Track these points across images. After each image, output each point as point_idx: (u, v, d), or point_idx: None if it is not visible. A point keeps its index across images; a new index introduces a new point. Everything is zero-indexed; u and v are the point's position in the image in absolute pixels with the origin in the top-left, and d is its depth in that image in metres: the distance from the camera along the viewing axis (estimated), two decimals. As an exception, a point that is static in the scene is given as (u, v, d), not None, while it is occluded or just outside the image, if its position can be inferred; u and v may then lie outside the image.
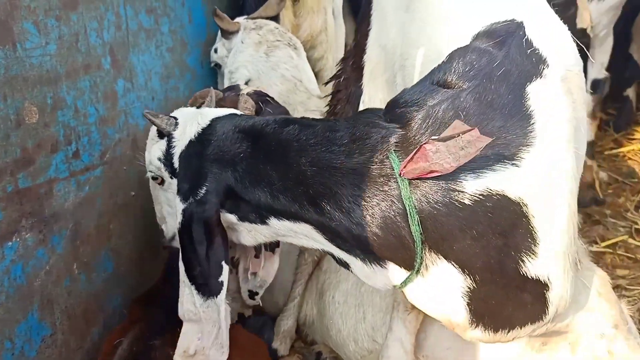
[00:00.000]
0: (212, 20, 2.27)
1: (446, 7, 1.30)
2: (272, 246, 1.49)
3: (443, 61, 1.12)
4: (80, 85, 1.48)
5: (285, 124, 1.19)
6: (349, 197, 1.07)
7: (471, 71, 1.07)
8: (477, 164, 1.01)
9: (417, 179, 1.02)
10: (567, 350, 1.31)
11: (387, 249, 1.07)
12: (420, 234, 1.03)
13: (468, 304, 1.09)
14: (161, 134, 1.35)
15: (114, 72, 1.64)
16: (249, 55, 2.15)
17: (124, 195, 1.69)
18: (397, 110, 1.09)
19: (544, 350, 1.37)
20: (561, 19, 2.54)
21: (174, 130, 1.31)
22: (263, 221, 1.20)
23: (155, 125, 1.34)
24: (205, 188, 1.18)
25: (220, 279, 1.19)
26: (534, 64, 1.09)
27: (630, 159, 3.38)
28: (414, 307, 1.28)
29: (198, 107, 1.43)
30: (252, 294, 1.58)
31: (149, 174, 1.41)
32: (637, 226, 2.70)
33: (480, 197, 1.01)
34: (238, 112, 1.37)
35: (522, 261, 1.05)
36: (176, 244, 1.28)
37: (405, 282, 1.11)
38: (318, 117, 2.03)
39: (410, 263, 1.08)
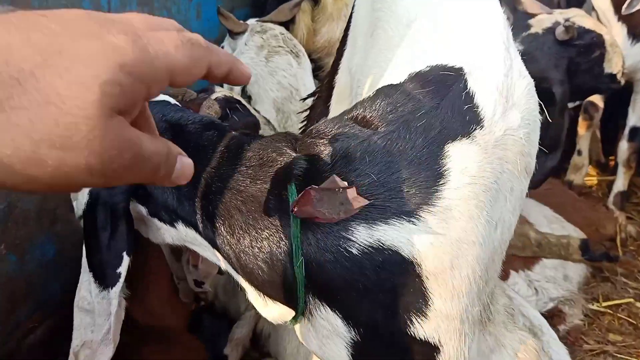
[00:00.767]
0: (230, 17, 2.26)
1: (400, 34, 1.22)
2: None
3: (368, 96, 1.05)
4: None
5: (207, 127, 1.14)
6: (243, 224, 1.03)
7: (391, 114, 1.00)
8: (372, 214, 0.94)
9: (308, 219, 0.97)
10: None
11: (271, 286, 1.03)
12: (304, 277, 0.97)
13: (352, 355, 1.03)
14: None
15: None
16: (249, 58, 2.14)
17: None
18: (308, 140, 1.04)
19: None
20: (583, 63, 2.37)
21: None
22: (172, 223, 1.16)
23: None
24: None
25: (118, 270, 1.15)
26: (464, 123, 0.98)
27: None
28: None
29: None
30: (198, 283, 1.57)
31: None
32: (648, 290, 2.51)
33: (370, 249, 0.94)
34: (172, 100, 1.31)
35: (411, 322, 0.98)
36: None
37: (292, 322, 1.07)
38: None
39: (294, 305, 1.03)
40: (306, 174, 0.99)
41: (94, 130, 0.46)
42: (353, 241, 0.94)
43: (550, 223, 2.64)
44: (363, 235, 0.94)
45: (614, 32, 2.63)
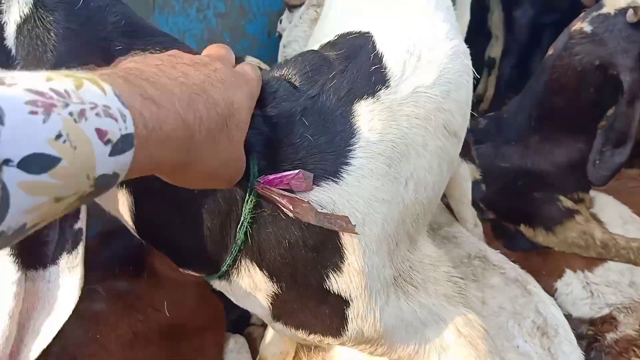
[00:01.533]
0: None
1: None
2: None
3: (290, 58, 1.10)
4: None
5: None
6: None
7: (311, 75, 1.06)
8: (307, 177, 1.00)
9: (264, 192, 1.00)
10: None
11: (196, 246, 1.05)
12: (242, 241, 1.01)
13: (272, 304, 1.10)
14: None
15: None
16: (301, 31, 2.22)
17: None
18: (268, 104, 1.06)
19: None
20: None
21: None
22: None
23: None
24: None
25: None
26: (369, 83, 1.05)
27: None
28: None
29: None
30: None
31: None
32: None
33: None
34: None
35: (327, 276, 1.03)
36: None
37: (216, 277, 1.10)
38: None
39: (212, 269, 1.08)
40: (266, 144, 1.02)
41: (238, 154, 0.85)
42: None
43: (625, 224, 2.41)
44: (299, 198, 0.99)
45: None
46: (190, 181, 0.78)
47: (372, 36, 1.12)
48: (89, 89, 0.55)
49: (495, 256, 1.93)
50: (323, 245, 1.02)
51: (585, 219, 2.35)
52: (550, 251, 2.34)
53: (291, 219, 0.99)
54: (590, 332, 2.11)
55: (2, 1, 0.97)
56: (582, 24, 2.06)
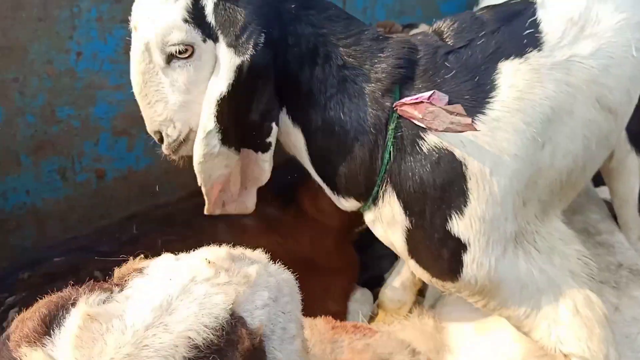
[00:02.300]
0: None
1: None
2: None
3: (451, 18, 1.18)
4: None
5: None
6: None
7: (464, 32, 1.15)
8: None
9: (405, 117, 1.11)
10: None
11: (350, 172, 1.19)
12: (387, 164, 1.13)
13: (406, 239, 1.19)
14: None
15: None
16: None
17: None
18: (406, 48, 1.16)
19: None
20: None
21: None
22: None
23: None
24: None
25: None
26: (520, 45, 1.11)
27: None
28: None
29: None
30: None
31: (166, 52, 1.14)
32: None
33: (435, 147, 1.10)
34: None
35: (450, 217, 1.10)
36: (185, 151, 1.27)
37: (365, 207, 1.23)
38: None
39: (365, 196, 1.20)
40: (410, 77, 1.14)
41: None
42: (424, 140, 1.10)
43: None
44: (431, 137, 1.09)
45: None
46: None
47: (534, 3, 1.17)
48: None
49: (652, 274, 1.77)
50: (450, 185, 1.09)
51: None
52: None
53: (425, 154, 1.09)
54: None
55: None
56: None
